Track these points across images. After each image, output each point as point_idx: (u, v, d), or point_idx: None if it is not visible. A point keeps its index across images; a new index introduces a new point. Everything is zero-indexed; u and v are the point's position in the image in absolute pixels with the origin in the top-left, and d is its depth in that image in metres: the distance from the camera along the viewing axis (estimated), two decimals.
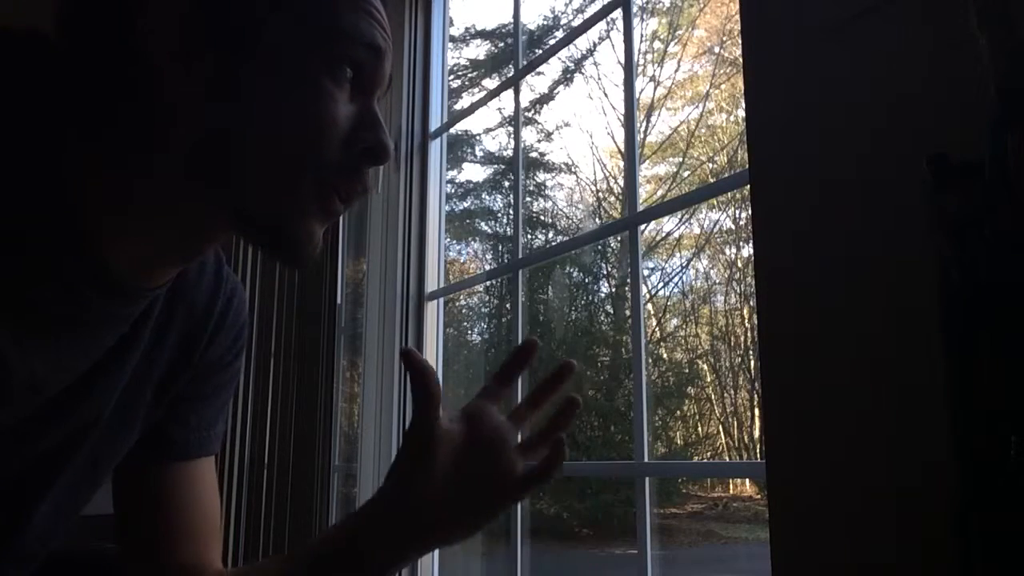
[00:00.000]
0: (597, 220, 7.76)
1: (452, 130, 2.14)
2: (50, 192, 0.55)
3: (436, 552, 1.86)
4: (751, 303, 6.79)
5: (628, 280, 6.29)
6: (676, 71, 7.71)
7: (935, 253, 0.60)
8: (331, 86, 0.57)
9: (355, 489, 1.95)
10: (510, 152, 7.60)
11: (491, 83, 6.66)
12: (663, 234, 7.41)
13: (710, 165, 7.46)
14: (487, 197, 7.90)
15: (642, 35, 7.37)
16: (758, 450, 6.91)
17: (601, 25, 6.20)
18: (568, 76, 7.77)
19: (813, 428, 0.86)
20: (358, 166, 0.60)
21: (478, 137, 7.52)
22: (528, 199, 7.66)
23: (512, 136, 6.44)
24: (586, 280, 7.76)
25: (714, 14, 7.47)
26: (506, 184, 7.60)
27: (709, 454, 7.46)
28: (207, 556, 0.78)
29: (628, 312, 7.07)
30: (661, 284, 7.66)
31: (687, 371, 7.68)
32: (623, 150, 7.62)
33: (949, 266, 0.58)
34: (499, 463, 0.68)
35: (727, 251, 7.55)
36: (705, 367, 7.69)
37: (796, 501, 0.87)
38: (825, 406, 0.85)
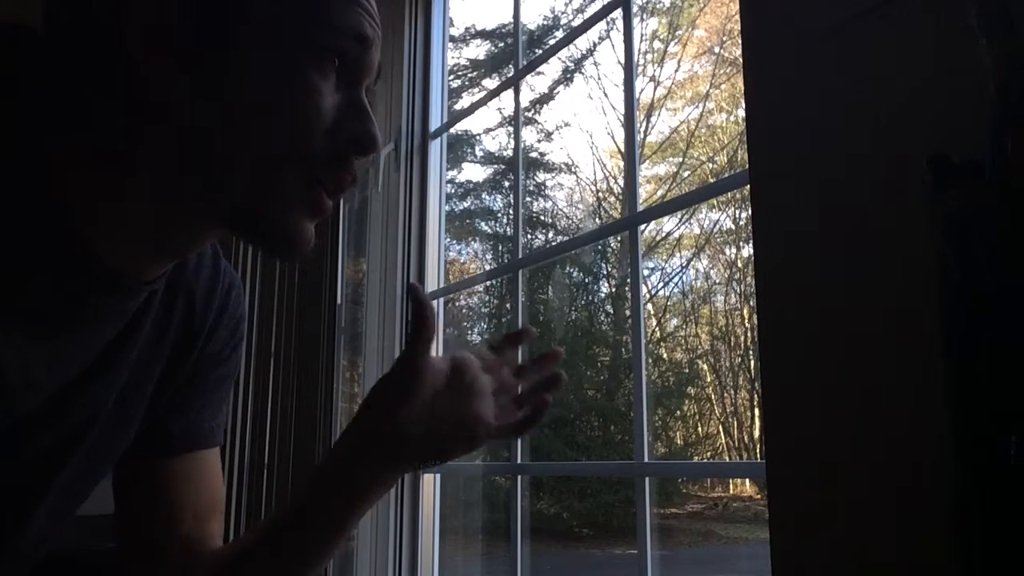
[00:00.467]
0: (597, 220, 7.76)
1: (452, 130, 2.14)
2: (38, 189, 0.55)
3: (436, 552, 1.86)
4: (751, 303, 6.79)
5: (628, 280, 6.29)
6: (676, 71, 7.72)
7: (935, 253, 0.60)
8: (315, 76, 0.57)
9: None
10: (510, 152, 7.61)
11: (491, 83, 6.66)
12: (663, 234, 7.42)
13: (710, 165, 7.46)
14: (487, 197, 7.91)
15: (642, 35, 7.38)
16: (758, 450, 6.92)
17: (601, 25, 6.21)
18: (568, 76, 7.77)
19: (813, 428, 0.86)
20: (344, 157, 0.59)
21: (478, 137, 7.52)
22: (528, 199, 7.66)
23: (512, 136, 6.44)
24: (586, 280, 7.76)
25: (714, 14, 7.48)
26: (506, 184, 7.61)
27: (709, 454, 7.47)
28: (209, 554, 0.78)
29: (628, 312, 7.07)
30: (661, 284, 7.67)
31: (687, 371, 7.69)
32: (623, 150, 7.63)
33: (949, 266, 0.58)
34: (472, 408, 0.72)
35: (727, 251, 7.55)
36: (705, 367, 7.70)
37: (796, 501, 0.87)
38: (825, 406, 0.85)
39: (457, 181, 7.39)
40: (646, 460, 1.36)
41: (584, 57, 7.60)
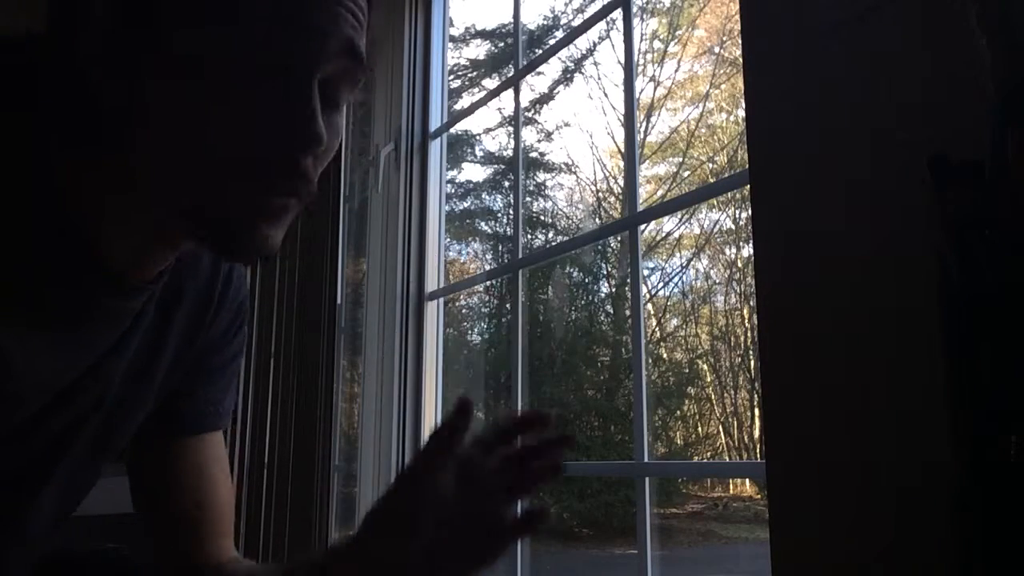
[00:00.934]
0: (597, 220, 7.76)
1: (452, 130, 2.14)
2: (50, 196, 0.56)
3: None
4: (751, 303, 6.79)
5: (628, 280, 6.30)
6: (676, 71, 7.72)
7: (935, 253, 0.60)
8: (258, 75, 0.54)
9: (355, 489, 1.95)
10: (510, 152, 7.61)
11: (491, 83, 6.67)
12: (663, 234, 7.42)
13: (710, 165, 7.47)
14: (487, 197, 7.91)
15: (642, 35, 7.38)
16: (758, 450, 6.92)
17: (601, 25, 6.21)
18: (568, 76, 7.77)
19: (813, 428, 0.86)
20: (288, 156, 0.56)
21: (478, 137, 7.52)
22: (528, 199, 7.66)
23: (512, 136, 6.45)
24: (586, 280, 7.76)
25: (714, 14, 7.48)
26: (506, 184, 7.61)
27: (709, 454, 7.47)
28: (218, 540, 0.80)
29: (628, 312, 7.08)
30: (661, 284, 7.67)
31: (687, 371, 7.69)
32: (623, 150, 7.63)
33: (949, 266, 0.58)
34: (484, 517, 0.66)
35: (727, 251, 7.55)
36: (705, 367, 7.70)
37: (796, 501, 0.87)
38: (825, 406, 0.85)
39: (457, 181, 7.40)
40: (646, 460, 1.36)
41: (584, 57, 7.60)
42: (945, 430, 0.59)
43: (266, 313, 2.03)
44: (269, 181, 0.56)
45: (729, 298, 7.46)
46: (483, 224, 7.74)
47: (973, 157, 0.59)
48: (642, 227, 1.54)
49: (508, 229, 7.31)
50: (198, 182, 0.55)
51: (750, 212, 0.97)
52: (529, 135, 7.61)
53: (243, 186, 0.55)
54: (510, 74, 1.97)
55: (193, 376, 0.76)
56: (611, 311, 7.72)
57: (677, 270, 7.72)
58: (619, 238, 5.82)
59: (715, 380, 7.64)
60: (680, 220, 7.23)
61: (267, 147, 0.55)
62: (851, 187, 0.86)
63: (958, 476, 0.57)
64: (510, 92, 2.00)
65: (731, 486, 6.97)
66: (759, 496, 6.34)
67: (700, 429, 7.62)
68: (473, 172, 7.77)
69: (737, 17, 1.04)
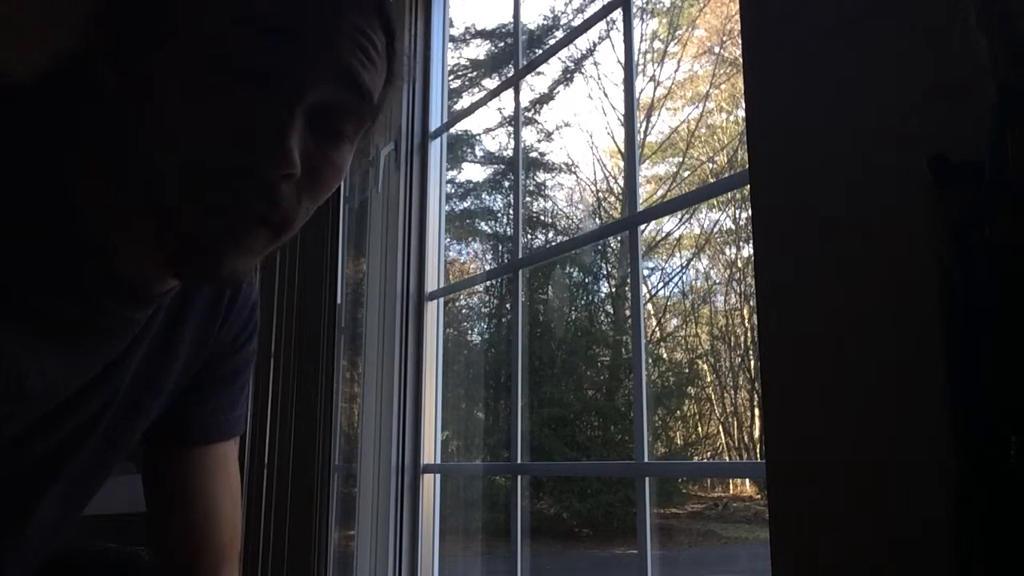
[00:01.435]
0: (597, 220, 7.76)
1: (452, 130, 2.14)
2: (60, 211, 0.57)
3: (436, 552, 1.86)
4: (751, 303, 6.79)
5: (628, 280, 6.29)
6: (676, 71, 7.71)
7: (935, 254, 0.60)
8: (234, 81, 0.53)
9: (355, 489, 1.95)
10: (510, 152, 7.60)
11: (491, 83, 6.66)
12: (663, 234, 7.41)
13: (710, 165, 7.46)
14: (487, 197, 7.90)
15: (642, 35, 7.37)
16: (758, 450, 6.91)
17: (601, 25, 6.21)
18: (568, 76, 7.77)
19: (813, 428, 0.86)
20: (254, 167, 0.53)
21: (478, 137, 7.51)
22: (528, 199, 7.66)
23: (512, 136, 6.44)
24: (586, 280, 7.76)
25: (714, 14, 7.47)
26: (506, 184, 7.60)
27: (709, 454, 7.46)
28: (224, 552, 0.79)
29: (628, 312, 7.07)
30: (661, 284, 7.66)
31: (687, 371, 7.68)
32: (623, 150, 7.62)
33: (950, 267, 0.58)
34: None
35: (727, 251, 7.55)
36: (705, 367, 7.69)
37: (796, 501, 0.87)
38: (825, 406, 0.85)
39: (457, 181, 7.39)
40: (646, 460, 1.36)
41: (584, 57, 7.60)
42: (945, 430, 0.59)
43: (266, 313, 2.03)
44: (231, 191, 0.53)
45: (729, 298, 7.46)
46: (483, 224, 7.74)
47: (973, 157, 0.59)
48: (642, 227, 1.54)
49: (508, 229, 7.31)
50: (168, 184, 0.54)
51: (750, 212, 0.97)
52: (529, 135, 7.61)
53: (207, 194, 0.53)
54: (510, 74, 1.97)
55: (203, 384, 0.76)
56: (611, 311, 7.72)
57: (677, 270, 7.72)
58: (619, 238, 5.83)
59: (715, 380, 7.64)
60: (680, 220, 7.22)
61: (232, 154, 0.53)
62: (851, 187, 0.86)
63: (958, 476, 0.57)
64: (510, 92, 2.00)
65: (731, 486, 6.96)
66: (759, 496, 6.33)
67: (700, 429, 7.61)
68: (473, 172, 7.77)
69: (737, 17, 1.04)
